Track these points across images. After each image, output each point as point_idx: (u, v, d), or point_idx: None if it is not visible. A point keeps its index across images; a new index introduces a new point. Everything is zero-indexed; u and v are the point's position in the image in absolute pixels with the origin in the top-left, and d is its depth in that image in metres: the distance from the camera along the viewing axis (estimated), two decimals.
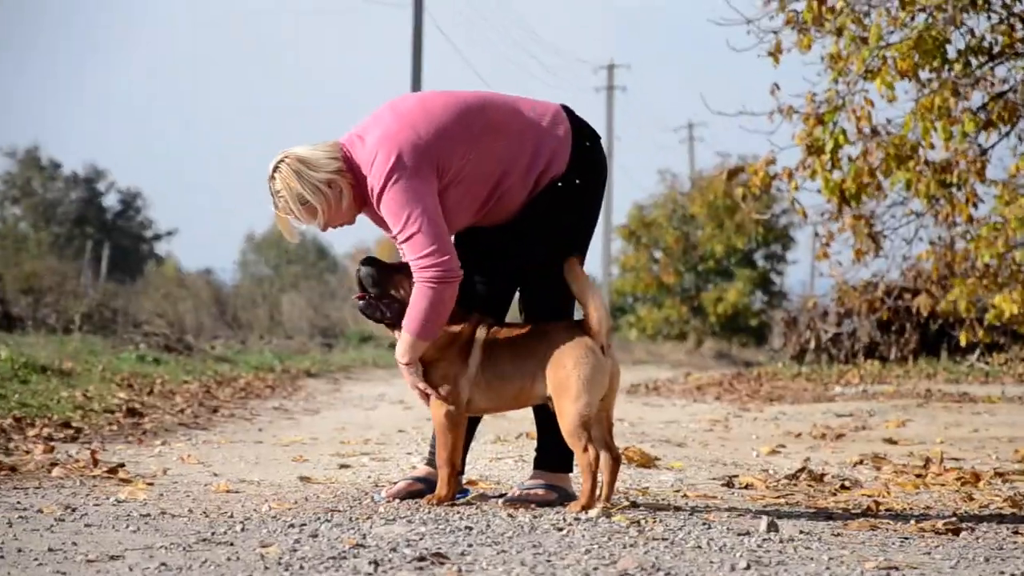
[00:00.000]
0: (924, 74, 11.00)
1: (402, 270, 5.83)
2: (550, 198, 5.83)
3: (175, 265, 52.15)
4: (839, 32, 11.02)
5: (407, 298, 5.79)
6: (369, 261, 5.93)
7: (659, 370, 26.97)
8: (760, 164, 11.62)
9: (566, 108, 5.97)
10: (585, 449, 5.60)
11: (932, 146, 11.38)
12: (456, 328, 5.77)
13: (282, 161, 5.73)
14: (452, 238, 5.83)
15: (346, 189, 5.74)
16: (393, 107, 5.80)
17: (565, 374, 5.62)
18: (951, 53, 11.00)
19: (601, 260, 48.38)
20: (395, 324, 5.86)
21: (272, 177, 5.76)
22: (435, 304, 5.64)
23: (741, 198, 11.88)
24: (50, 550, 4.60)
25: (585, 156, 5.89)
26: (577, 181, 5.85)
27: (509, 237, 5.90)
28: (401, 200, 5.60)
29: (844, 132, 11.11)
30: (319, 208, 5.72)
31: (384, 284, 5.85)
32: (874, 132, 11.45)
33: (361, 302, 5.93)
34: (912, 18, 10.88)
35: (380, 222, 5.91)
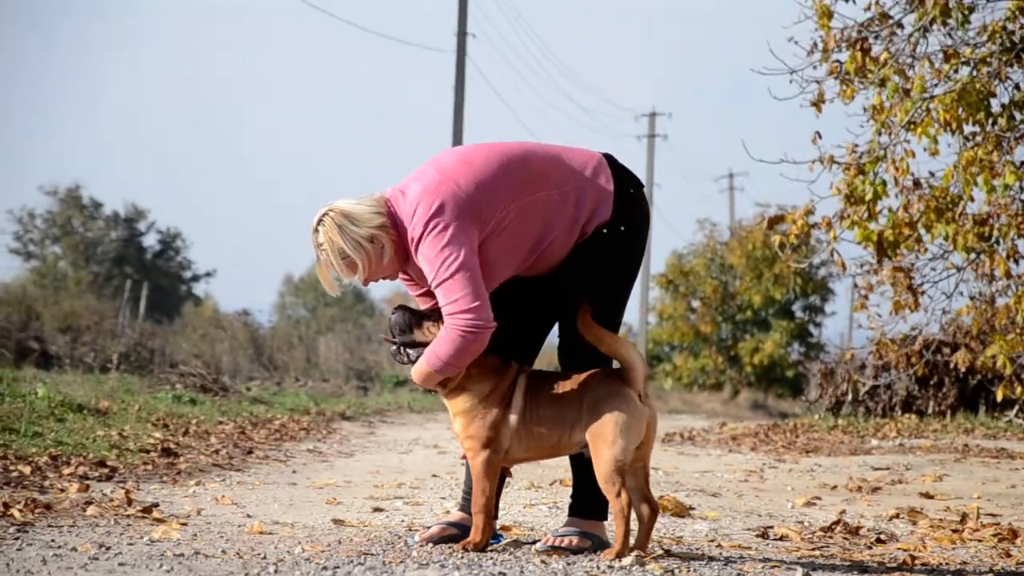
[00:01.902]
0: (968, 127, 10.97)
1: (432, 316, 5.85)
2: (595, 245, 5.85)
3: (213, 306, 52.41)
4: (882, 83, 11.01)
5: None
6: (400, 308, 5.96)
7: (694, 419, 26.88)
8: (799, 213, 11.59)
9: (608, 156, 5.98)
10: (619, 494, 5.58)
11: (972, 199, 11.34)
12: (498, 377, 5.78)
13: (326, 214, 5.76)
14: (494, 288, 5.86)
15: (388, 245, 5.76)
16: (435, 161, 5.84)
17: (602, 420, 5.61)
18: (995, 107, 10.98)
19: (639, 308, 48.35)
20: None
21: (315, 230, 5.80)
22: (460, 351, 5.66)
23: (779, 247, 11.85)
24: None
25: (629, 204, 5.91)
26: (622, 228, 5.87)
27: (551, 284, 5.92)
28: (437, 247, 5.62)
29: (884, 183, 11.08)
30: (360, 264, 5.75)
31: (412, 330, 5.89)
32: (916, 184, 11.42)
33: (392, 347, 5.97)
34: (956, 71, 10.87)
35: (420, 279, 5.93)
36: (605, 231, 5.86)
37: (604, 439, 5.61)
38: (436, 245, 5.63)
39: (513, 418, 5.73)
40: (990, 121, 10.94)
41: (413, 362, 5.90)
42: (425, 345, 5.84)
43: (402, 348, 5.91)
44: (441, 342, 5.69)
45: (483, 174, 5.73)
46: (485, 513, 5.79)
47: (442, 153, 5.93)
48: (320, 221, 5.79)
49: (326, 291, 6.03)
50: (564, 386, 5.75)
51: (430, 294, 6.01)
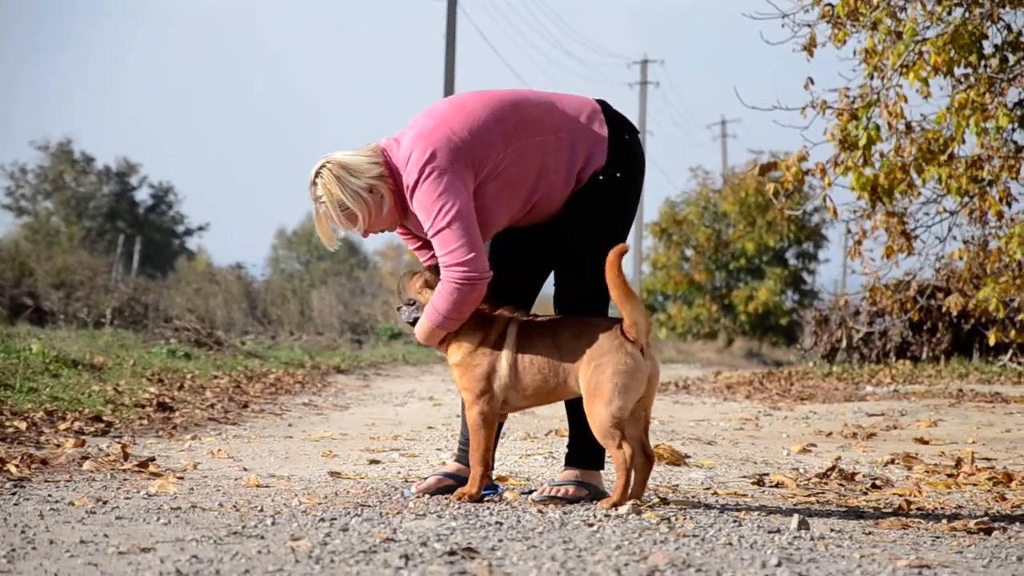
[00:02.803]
0: (960, 70, 10.94)
1: (420, 272, 5.88)
2: (591, 192, 5.83)
3: (206, 260, 52.36)
4: (874, 26, 10.97)
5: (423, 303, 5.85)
6: (408, 273, 6.00)
7: (689, 369, 26.93)
8: (792, 160, 11.57)
9: (603, 103, 5.96)
10: (620, 446, 5.58)
11: (964, 141, 11.32)
12: (487, 327, 5.77)
13: (323, 167, 5.74)
14: (490, 237, 5.86)
15: (387, 195, 5.75)
16: (428, 110, 5.83)
17: (601, 378, 5.57)
18: (987, 49, 10.94)
19: (633, 257, 48.32)
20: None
21: (313, 183, 5.77)
22: (458, 303, 5.66)
23: (773, 194, 11.83)
24: (82, 542, 4.61)
25: (624, 150, 5.89)
26: (618, 175, 5.85)
27: (548, 232, 5.91)
28: (433, 195, 5.61)
29: (877, 128, 11.05)
30: (360, 215, 5.73)
31: (407, 290, 5.92)
32: (908, 128, 11.40)
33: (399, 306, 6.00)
34: (948, 13, 10.83)
35: (418, 231, 5.92)
36: (601, 178, 5.84)
37: (601, 398, 5.58)
38: (432, 193, 5.61)
39: (504, 367, 5.72)
40: (982, 63, 10.90)
41: (410, 322, 5.92)
42: (415, 303, 5.87)
43: (402, 306, 5.94)
44: (439, 296, 5.69)
45: (477, 120, 5.71)
46: (482, 464, 5.80)
47: (436, 102, 5.91)
48: (318, 174, 5.76)
49: (324, 244, 6.02)
50: (560, 332, 5.71)
51: (427, 247, 6.01)
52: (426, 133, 5.68)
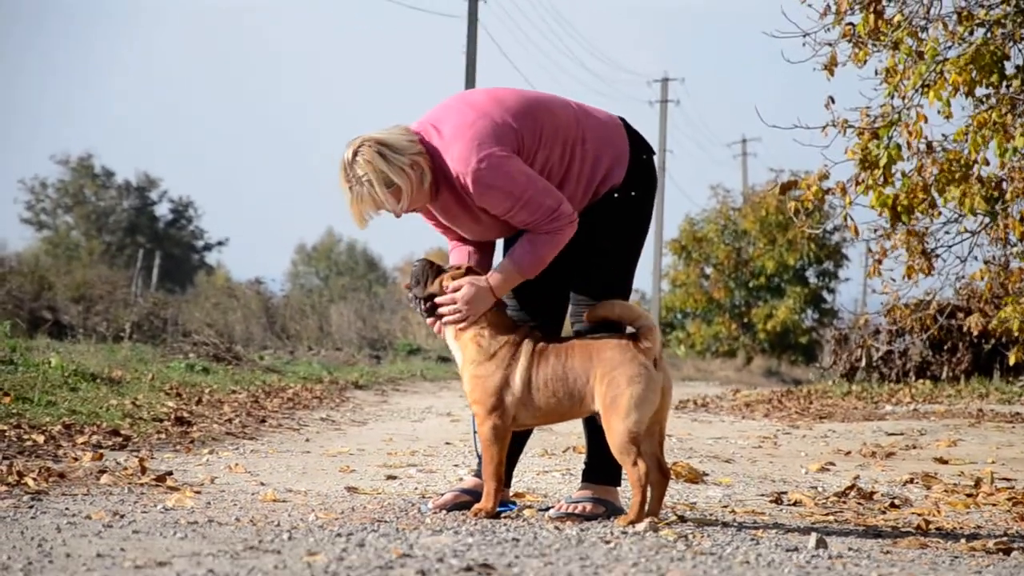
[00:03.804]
0: (981, 90, 10.91)
1: (447, 272, 5.88)
2: (605, 208, 5.82)
3: (225, 275, 52.52)
4: (895, 46, 10.94)
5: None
6: (423, 260, 5.99)
7: (708, 387, 26.87)
8: (813, 178, 11.54)
9: (624, 121, 5.96)
10: (635, 463, 5.57)
11: (987, 161, 11.28)
12: (504, 340, 5.76)
13: (362, 145, 5.68)
14: (510, 234, 5.86)
15: (427, 171, 5.72)
16: (464, 98, 5.81)
17: (617, 392, 5.57)
18: (1009, 69, 10.91)
19: (652, 275, 48.28)
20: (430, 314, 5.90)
21: (352, 162, 5.70)
22: (556, 245, 5.70)
23: (793, 213, 11.80)
24: (98, 556, 4.61)
25: (642, 170, 5.89)
26: (632, 194, 5.84)
27: (563, 248, 5.88)
28: (496, 184, 5.61)
29: (898, 147, 11.02)
30: (404, 188, 5.69)
31: (427, 284, 5.90)
32: (929, 148, 11.37)
33: (409, 293, 5.99)
34: (970, 33, 10.80)
35: (443, 213, 5.89)
36: (616, 195, 5.84)
37: (617, 412, 5.58)
38: (493, 183, 5.59)
39: (517, 384, 5.71)
40: (1004, 84, 10.87)
41: (423, 314, 5.90)
42: (432, 297, 5.85)
43: (416, 298, 5.91)
44: (531, 246, 5.69)
45: (516, 114, 5.71)
46: (495, 479, 5.78)
47: (470, 91, 5.90)
48: (357, 152, 5.70)
49: (355, 224, 5.93)
50: (573, 352, 5.71)
51: (450, 231, 6.00)
52: (468, 123, 5.66)
